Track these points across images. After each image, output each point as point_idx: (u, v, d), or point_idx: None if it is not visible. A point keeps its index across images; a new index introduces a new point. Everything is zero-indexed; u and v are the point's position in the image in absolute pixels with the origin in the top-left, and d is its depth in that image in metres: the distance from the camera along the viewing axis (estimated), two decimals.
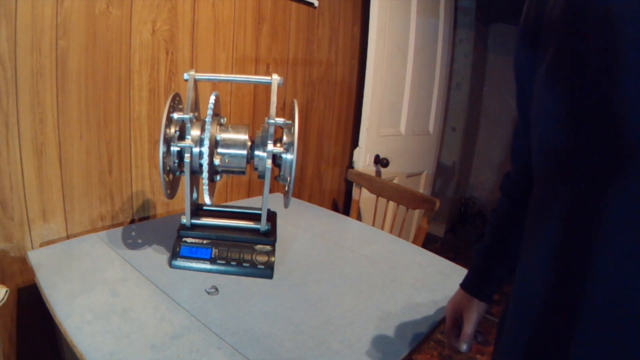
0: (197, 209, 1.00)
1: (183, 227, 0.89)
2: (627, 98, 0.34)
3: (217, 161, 0.85)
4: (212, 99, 0.85)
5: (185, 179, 0.81)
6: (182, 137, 0.82)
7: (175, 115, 0.81)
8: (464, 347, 0.63)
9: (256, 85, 1.38)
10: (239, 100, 1.34)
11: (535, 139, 0.45)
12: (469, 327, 0.63)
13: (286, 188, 0.86)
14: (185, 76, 0.85)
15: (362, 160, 1.69)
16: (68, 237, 0.99)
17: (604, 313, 0.36)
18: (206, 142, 0.80)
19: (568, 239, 0.40)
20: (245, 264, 0.86)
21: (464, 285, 0.67)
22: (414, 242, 1.27)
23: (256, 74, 1.37)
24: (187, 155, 0.79)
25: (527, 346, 0.44)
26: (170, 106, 0.79)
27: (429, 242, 2.82)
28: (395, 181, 1.89)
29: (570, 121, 0.39)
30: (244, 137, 0.86)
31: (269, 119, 0.82)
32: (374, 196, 1.54)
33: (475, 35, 2.72)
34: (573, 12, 0.40)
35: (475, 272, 0.67)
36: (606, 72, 0.36)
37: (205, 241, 0.89)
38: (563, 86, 0.40)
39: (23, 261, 0.92)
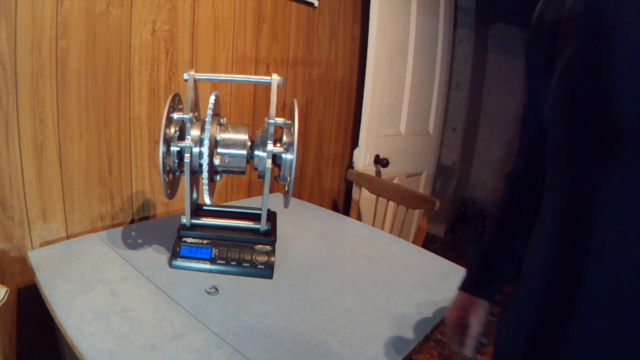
0: (197, 209, 1.00)
1: (183, 227, 0.89)
2: (619, 90, 0.36)
3: (217, 161, 0.85)
4: (212, 99, 0.85)
5: (185, 179, 0.81)
6: (182, 137, 0.82)
7: (175, 115, 0.81)
8: (470, 349, 0.62)
9: (256, 85, 1.38)
10: (239, 100, 1.34)
11: (549, 137, 0.47)
12: (476, 328, 0.62)
13: (286, 188, 0.86)
14: (185, 76, 0.85)
15: (362, 160, 1.69)
16: (68, 237, 0.99)
17: (603, 297, 0.38)
18: (206, 142, 0.80)
19: (567, 227, 0.42)
20: (245, 264, 0.86)
21: (467, 286, 0.66)
22: (414, 242, 1.27)
23: (256, 74, 1.37)
24: (187, 155, 0.79)
25: (528, 331, 0.47)
26: (170, 106, 0.79)
27: (429, 242, 2.82)
28: (395, 181, 1.89)
29: (568, 116, 0.41)
30: (244, 137, 0.86)
31: (269, 119, 0.82)
32: (374, 196, 1.54)
33: (475, 35, 2.72)
34: (572, 14, 0.41)
35: (479, 271, 0.65)
36: (600, 67, 0.37)
37: (205, 241, 0.89)
38: (564, 84, 0.42)
39: (23, 261, 0.92)
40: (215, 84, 1.24)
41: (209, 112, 0.82)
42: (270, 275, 0.86)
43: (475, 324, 0.62)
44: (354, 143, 1.78)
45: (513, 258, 0.62)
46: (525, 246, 0.58)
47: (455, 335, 0.65)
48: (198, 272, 0.85)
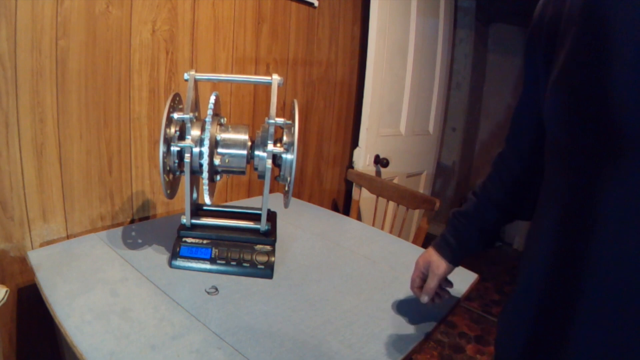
0: (197, 209, 1.00)
1: (183, 227, 0.89)
2: (619, 89, 0.35)
3: (217, 161, 0.85)
4: (212, 99, 0.85)
5: (185, 179, 0.81)
6: (182, 137, 0.82)
7: (175, 115, 0.81)
8: (425, 298, 0.72)
9: (256, 85, 1.38)
10: (239, 100, 1.34)
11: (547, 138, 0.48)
12: (432, 282, 0.71)
13: (286, 188, 0.86)
14: (186, 76, 0.85)
15: (362, 160, 1.69)
16: (68, 237, 0.99)
17: (603, 297, 0.39)
18: (206, 142, 0.80)
19: (566, 227, 0.42)
20: (245, 264, 0.86)
21: (438, 247, 0.73)
22: (414, 242, 1.27)
23: (256, 74, 1.37)
24: (187, 155, 0.79)
25: (528, 331, 0.47)
26: (170, 106, 0.79)
27: (429, 242, 2.81)
28: (395, 181, 1.89)
29: (568, 118, 0.41)
30: (244, 137, 0.86)
31: (269, 119, 0.82)
32: (374, 196, 1.54)
33: (475, 35, 2.72)
34: (572, 13, 0.41)
35: (453, 239, 0.71)
36: (599, 68, 0.37)
37: (205, 241, 0.89)
38: (563, 86, 0.41)
39: (23, 261, 0.92)
40: (215, 84, 1.24)
41: (209, 112, 0.82)
42: (270, 275, 0.86)
43: (433, 280, 0.71)
44: (354, 143, 1.78)
45: (484, 239, 0.69)
46: (499, 230, 0.67)
47: (417, 280, 0.75)
48: (198, 272, 0.85)
